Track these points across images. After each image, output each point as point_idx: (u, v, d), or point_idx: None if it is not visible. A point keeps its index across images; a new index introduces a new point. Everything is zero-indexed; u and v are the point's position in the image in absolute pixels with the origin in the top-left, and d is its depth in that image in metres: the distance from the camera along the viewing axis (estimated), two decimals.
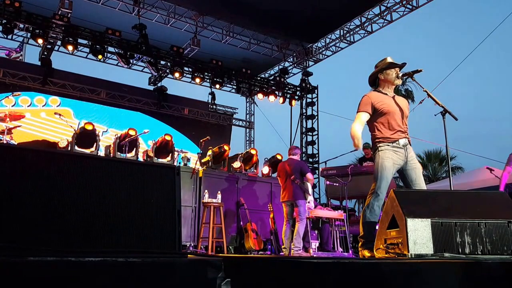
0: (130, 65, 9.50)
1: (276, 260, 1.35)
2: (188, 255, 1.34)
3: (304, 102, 11.23)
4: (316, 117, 11.04)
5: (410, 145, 3.18)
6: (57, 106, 9.58)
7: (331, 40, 10.60)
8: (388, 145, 3.10)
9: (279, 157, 7.83)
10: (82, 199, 1.38)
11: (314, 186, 10.49)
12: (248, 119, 13.06)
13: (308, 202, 5.76)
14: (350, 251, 6.21)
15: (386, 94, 3.23)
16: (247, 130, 13.07)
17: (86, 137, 6.64)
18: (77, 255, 1.16)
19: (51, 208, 1.33)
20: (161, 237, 1.42)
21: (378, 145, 3.14)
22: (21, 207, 1.29)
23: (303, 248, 5.62)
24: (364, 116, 3.16)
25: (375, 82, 3.31)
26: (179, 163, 7.48)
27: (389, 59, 3.25)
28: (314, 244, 6.21)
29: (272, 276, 1.28)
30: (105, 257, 1.17)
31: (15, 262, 1.05)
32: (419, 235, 2.23)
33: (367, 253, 2.98)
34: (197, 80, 9.63)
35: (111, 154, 6.62)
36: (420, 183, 3.10)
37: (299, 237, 5.28)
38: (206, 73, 9.75)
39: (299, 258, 1.36)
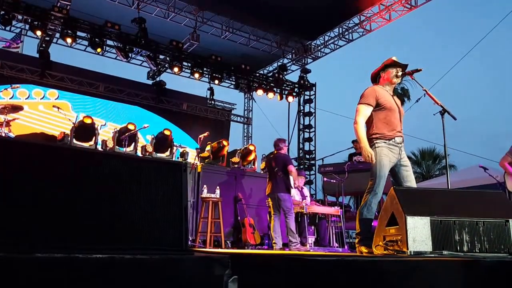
0: (129, 59, 9.44)
1: (282, 257, 1.37)
2: (195, 252, 1.35)
3: (302, 99, 11.24)
4: (314, 114, 11.06)
5: (403, 143, 3.22)
6: (55, 99, 9.52)
7: (329, 37, 10.59)
8: (385, 142, 3.12)
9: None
10: (89, 196, 1.39)
11: (310, 182, 10.58)
12: (246, 115, 13.06)
13: (292, 196, 5.87)
14: (346, 246, 6.28)
15: (387, 91, 3.27)
16: (245, 126, 13.08)
17: (84, 130, 6.61)
18: (85, 252, 1.17)
19: (58, 205, 1.34)
20: (167, 234, 1.43)
21: (374, 142, 3.14)
22: (28, 204, 1.30)
23: (300, 242, 5.68)
24: (368, 110, 3.15)
25: (376, 79, 3.36)
26: (177, 158, 7.48)
27: (394, 58, 3.29)
28: (311, 239, 6.28)
29: (279, 273, 1.31)
30: (112, 254, 1.18)
31: (23, 259, 1.05)
32: (418, 233, 2.27)
33: (364, 250, 3.02)
34: (196, 75, 9.60)
35: (111, 148, 6.61)
36: (411, 181, 3.14)
37: (292, 232, 5.31)
38: (205, 68, 9.72)
39: (305, 256, 1.39)
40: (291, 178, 5.58)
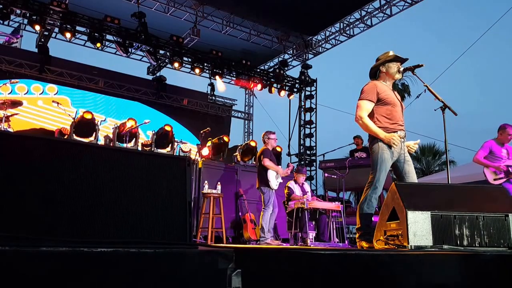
0: (129, 54, 9.41)
1: (285, 251, 1.39)
2: (199, 246, 1.37)
3: (303, 94, 11.23)
4: (315, 110, 11.06)
5: (405, 138, 3.22)
6: (54, 94, 9.50)
7: (331, 33, 10.56)
8: None
9: (278, 149, 7.88)
10: (94, 190, 1.40)
11: (311, 178, 10.59)
12: (247, 111, 13.05)
13: (293, 191, 5.92)
14: (346, 242, 6.31)
15: (387, 86, 3.27)
16: (246, 122, 13.07)
17: (85, 126, 6.62)
18: (90, 245, 1.18)
19: (63, 198, 1.35)
20: (172, 228, 1.44)
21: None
22: (34, 197, 1.31)
23: (301, 238, 5.70)
24: (369, 105, 3.13)
25: (375, 74, 3.33)
26: (178, 154, 7.49)
27: (392, 53, 3.27)
28: (311, 234, 6.30)
29: (281, 267, 1.32)
30: (117, 248, 1.19)
31: (28, 252, 1.06)
32: (419, 227, 2.28)
33: (365, 244, 3.03)
34: (197, 70, 9.57)
35: (111, 144, 6.61)
36: (412, 176, 3.14)
37: (262, 228, 5.37)
38: (205, 64, 9.69)
39: (308, 250, 1.40)
40: (270, 172, 5.53)
